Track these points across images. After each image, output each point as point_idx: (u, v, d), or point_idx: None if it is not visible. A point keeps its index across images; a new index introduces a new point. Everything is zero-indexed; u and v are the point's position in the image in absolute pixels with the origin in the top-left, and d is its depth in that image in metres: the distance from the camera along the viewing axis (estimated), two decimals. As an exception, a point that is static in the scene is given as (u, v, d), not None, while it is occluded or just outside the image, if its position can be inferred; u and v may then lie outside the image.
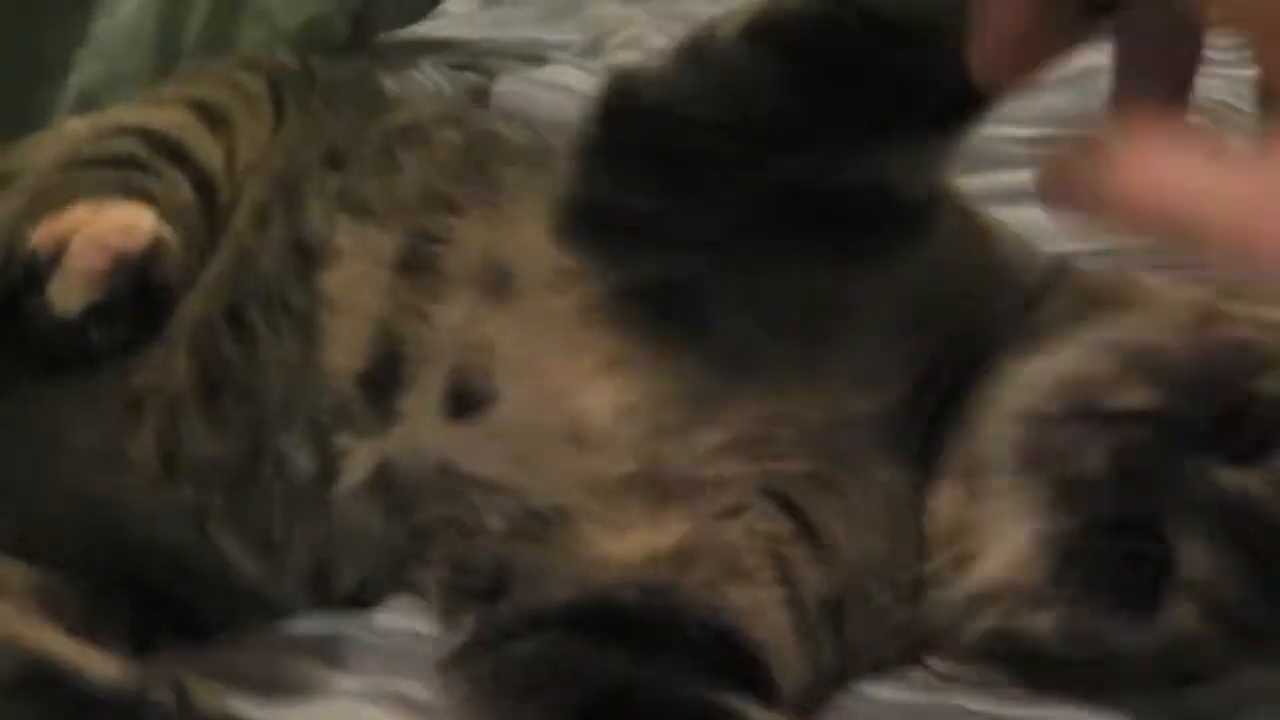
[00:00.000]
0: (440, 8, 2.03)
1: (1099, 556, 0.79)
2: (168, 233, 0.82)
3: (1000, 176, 1.40)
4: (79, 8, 1.27)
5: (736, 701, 0.77)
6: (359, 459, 0.89)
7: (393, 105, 1.10)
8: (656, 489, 0.83)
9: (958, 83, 0.58)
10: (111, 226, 0.81)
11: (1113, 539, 0.78)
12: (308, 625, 0.93)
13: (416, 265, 0.91)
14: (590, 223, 0.87)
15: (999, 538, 0.81)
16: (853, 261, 0.85)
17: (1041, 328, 0.86)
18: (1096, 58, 1.52)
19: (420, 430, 0.87)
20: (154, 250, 0.81)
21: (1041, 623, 0.80)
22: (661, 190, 0.82)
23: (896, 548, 0.85)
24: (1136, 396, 0.79)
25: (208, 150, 0.99)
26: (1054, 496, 0.80)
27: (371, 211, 0.94)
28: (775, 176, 0.79)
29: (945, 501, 0.84)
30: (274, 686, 0.87)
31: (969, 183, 1.36)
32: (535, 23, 1.95)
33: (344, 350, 0.90)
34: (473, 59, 1.72)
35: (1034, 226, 1.19)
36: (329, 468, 0.89)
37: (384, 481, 0.88)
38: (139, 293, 0.81)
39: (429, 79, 1.56)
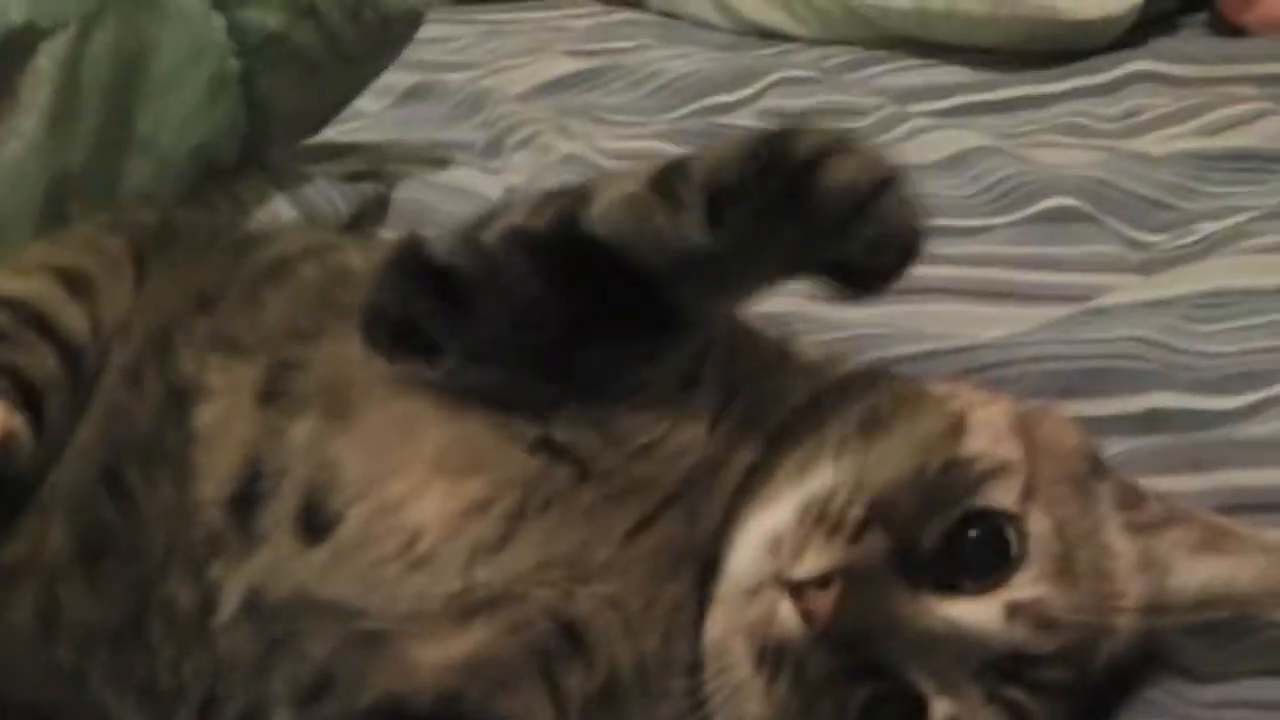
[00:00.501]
0: (352, 106, 2.06)
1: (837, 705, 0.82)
2: (18, 425, 0.85)
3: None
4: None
5: None
6: (231, 588, 0.92)
7: (260, 242, 1.15)
8: (468, 607, 0.87)
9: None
10: None
11: (830, 687, 0.81)
12: None
13: (275, 393, 0.95)
14: (391, 337, 0.92)
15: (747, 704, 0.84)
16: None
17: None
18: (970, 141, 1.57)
19: (279, 553, 0.91)
20: (6, 445, 0.85)
21: None
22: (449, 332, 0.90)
23: (671, 661, 0.88)
24: (817, 560, 0.82)
25: (72, 318, 1.04)
26: (765, 664, 0.83)
27: (239, 347, 0.99)
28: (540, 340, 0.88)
29: (711, 625, 0.87)
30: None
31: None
32: (440, 123, 2.00)
33: (214, 480, 0.93)
34: (372, 166, 1.76)
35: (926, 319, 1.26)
36: (207, 600, 0.93)
37: (254, 608, 0.92)
38: None
39: (322, 194, 1.58)
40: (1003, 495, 0.85)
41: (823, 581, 0.82)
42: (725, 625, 0.85)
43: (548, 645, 0.87)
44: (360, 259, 1.08)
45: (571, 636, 0.88)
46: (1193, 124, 1.78)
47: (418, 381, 0.91)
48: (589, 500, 0.89)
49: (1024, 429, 0.89)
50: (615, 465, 0.89)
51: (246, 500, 0.92)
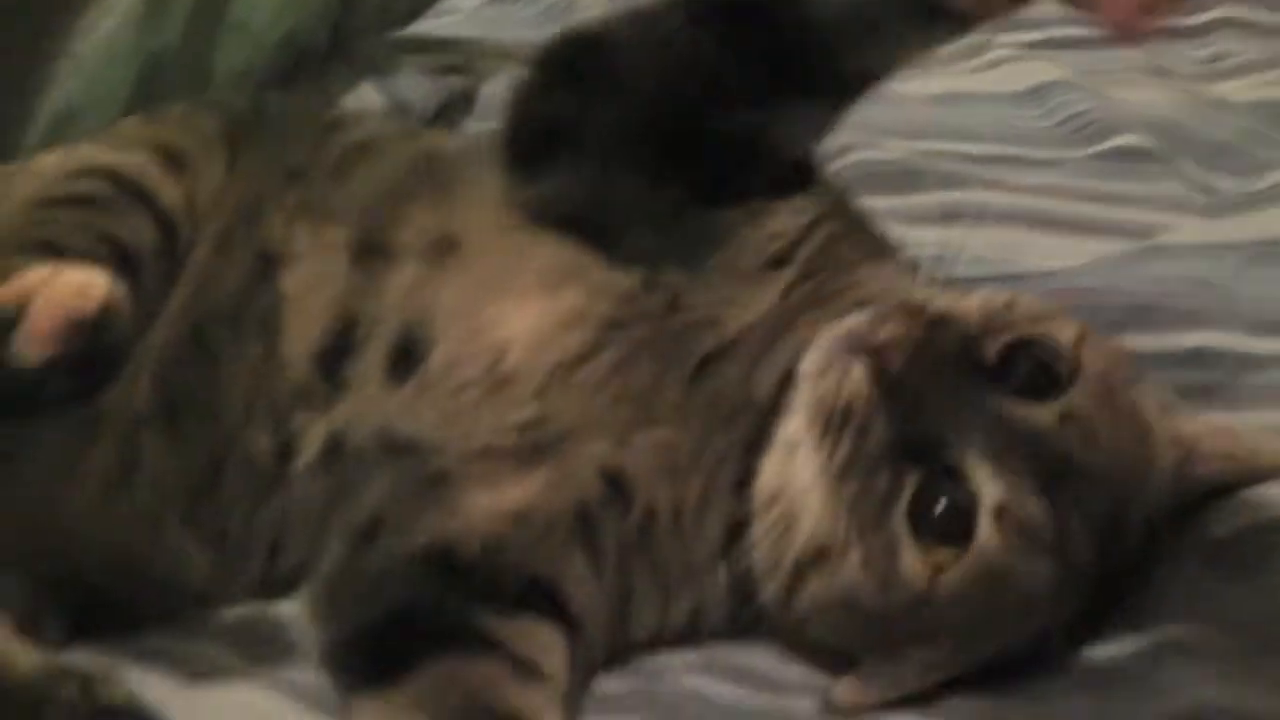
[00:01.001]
0: (446, 1, 2.09)
1: (891, 485, 0.86)
2: (120, 293, 0.89)
3: (951, 195, 1.45)
4: (58, 24, 1.32)
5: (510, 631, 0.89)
6: (313, 435, 0.99)
7: (349, 124, 1.20)
8: (535, 446, 0.94)
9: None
10: (68, 289, 0.88)
11: (889, 462, 0.86)
12: (229, 613, 1.03)
13: (370, 248, 1.02)
14: (524, 145, 1.00)
15: (806, 496, 0.89)
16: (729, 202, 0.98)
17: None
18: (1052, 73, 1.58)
19: (365, 397, 0.98)
20: (106, 313, 0.88)
21: (849, 569, 0.87)
22: (587, 126, 0.97)
23: (708, 509, 0.94)
24: (895, 328, 0.87)
25: (169, 192, 1.08)
26: (829, 434, 0.88)
27: (327, 214, 1.05)
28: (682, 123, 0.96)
29: (768, 472, 0.92)
30: (191, 671, 0.97)
31: (918, 200, 1.43)
32: (531, 24, 2.02)
33: (302, 337, 1.00)
34: (461, 61, 1.78)
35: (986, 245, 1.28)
36: (288, 448, 1.00)
37: (334, 453, 0.99)
38: (92, 350, 0.88)
39: (410, 85, 1.61)
40: (1058, 330, 0.90)
41: (896, 345, 0.86)
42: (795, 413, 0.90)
43: (590, 496, 0.93)
44: (448, 142, 1.14)
45: (615, 484, 0.93)
46: (1276, 73, 1.77)
47: (531, 220, 0.98)
48: (670, 329, 0.95)
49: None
50: (699, 303, 0.95)
51: (337, 352, 0.99)
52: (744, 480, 0.93)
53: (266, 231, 1.05)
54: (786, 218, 0.99)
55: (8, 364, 0.86)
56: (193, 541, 1.03)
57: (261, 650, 0.97)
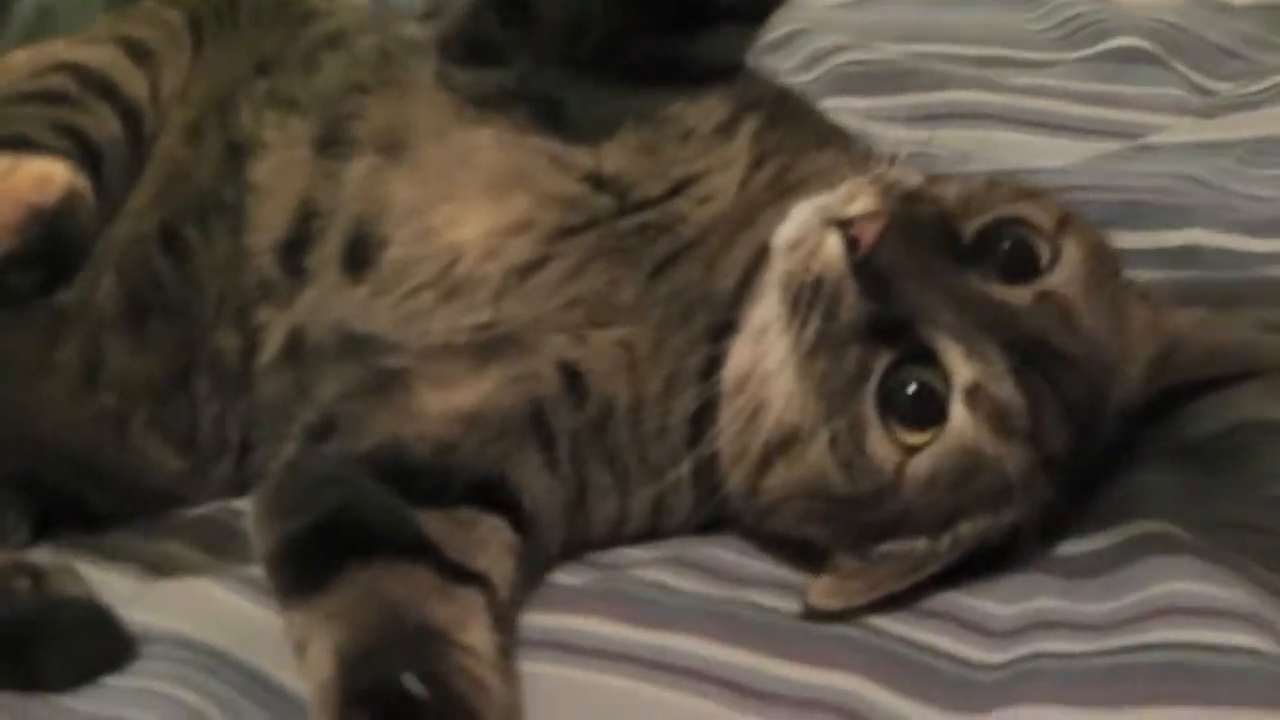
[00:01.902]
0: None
1: (860, 366, 0.84)
2: (81, 184, 0.89)
3: (943, 95, 1.43)
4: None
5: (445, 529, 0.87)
6: (275, 330, 0.98)
7: (320, 16, 1.18)
8: (489, 346, 0.92)
9: None
10: (26, 181, 0.87)
11: (859, 342, 0.84)
12: (190, 511, 1.02)
13: (331, 140, 1.00)
14: (466, 49, 0.99)
15: (774, 378, 0.87)
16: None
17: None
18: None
19: (323, 291, 0.97)
20: (67, 203, 0.87)
21: (816, 453, 0.86)
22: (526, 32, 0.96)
23: (671, 405, 0.93)
24: (869, 202, 0.86)
25: (134, 83, 1.07)
26: (799, 310, 0.86)
27: (296, 104, 1.03)
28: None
29: (737, 357, 0.91)
30: (151, 567, 0.96)
31: (908, 100, 1.41)
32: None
33: (267, 228, 0.99)
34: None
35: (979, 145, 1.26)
36: (252, 344, 0.99)
37: (295, 348, 0.98)
38: (52, 242, 0.87)
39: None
40: (1038, 214, 0.88)
41: (870, 218, 0.84)
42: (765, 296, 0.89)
43: (545, 392, 0.91)
44: (419, 30, 1.11)
45: (571, 379, 0.92)
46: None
47: (478, 117, 0.97)
48: (623, 232, 0.94)
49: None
50: (652, 198, 0.94)
51: (298, 243, 0.98)
52: (708, 371, 0.92)
53: (236, 122, 1.04)
54: (722, 98, 0.98)
55: None
56: (160, 442, 1.02)
57: (223, 546, 0.95)
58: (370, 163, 0.98)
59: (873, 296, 0.83)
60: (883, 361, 0.84)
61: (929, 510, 0.85)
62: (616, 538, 0.95)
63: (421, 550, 0.85)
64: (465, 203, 0.95)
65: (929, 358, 0.83)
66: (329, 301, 0.96)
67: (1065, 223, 0.88)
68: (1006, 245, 0.86)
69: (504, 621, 0.84)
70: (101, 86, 1.06)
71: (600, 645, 0.83)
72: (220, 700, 0.81)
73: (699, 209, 0.95)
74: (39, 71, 1.08)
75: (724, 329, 0.92)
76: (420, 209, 0.95)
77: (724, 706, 0.79)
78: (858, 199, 0.86)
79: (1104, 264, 0.89)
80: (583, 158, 0.95)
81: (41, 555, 0.96)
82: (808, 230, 0.87)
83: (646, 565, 0.91)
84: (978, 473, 0.83)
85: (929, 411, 0.83)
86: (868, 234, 0.83)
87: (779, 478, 0.88)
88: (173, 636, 0.85)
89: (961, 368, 0.83)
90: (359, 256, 0.96)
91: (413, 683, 0.74)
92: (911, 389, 0.84)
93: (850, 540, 0.88)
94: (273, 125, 1.03)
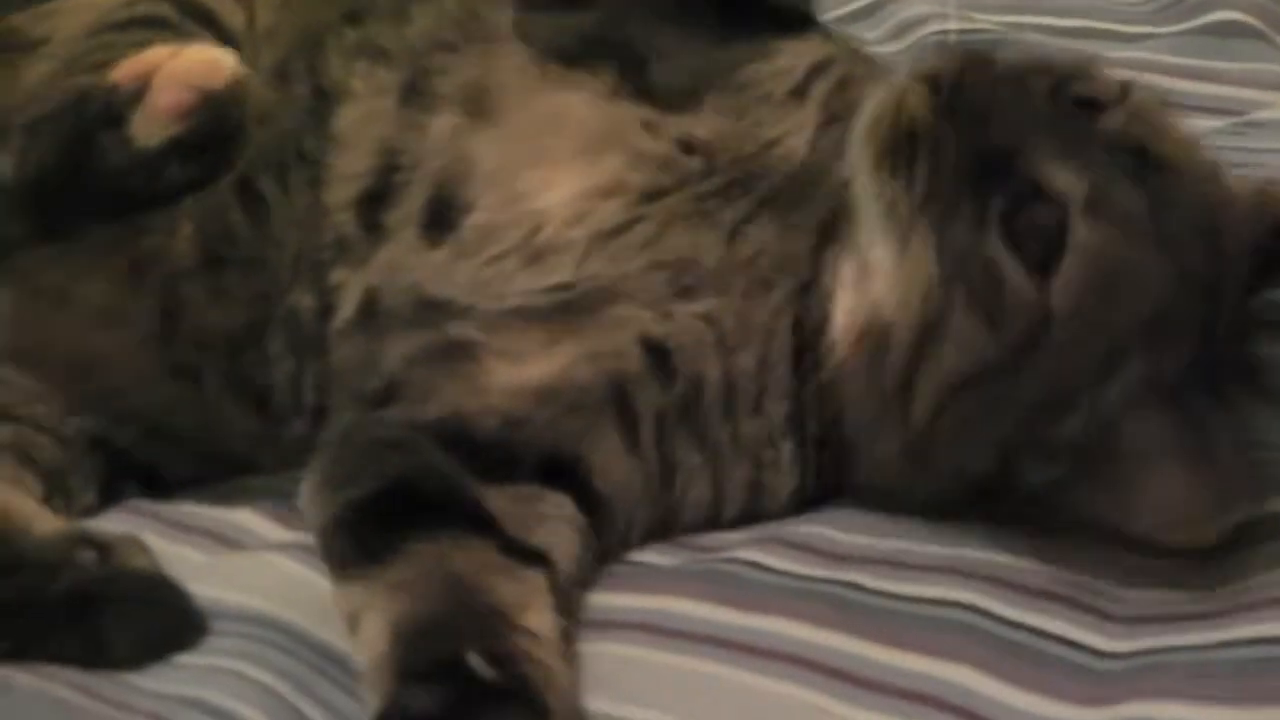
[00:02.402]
0: None
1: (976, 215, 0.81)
2: (245, 70, 0.84)
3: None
4: None
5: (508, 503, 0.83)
6: (351, 290, 0.95)
7: None
8: (563, 316, 0.89)
9: None
10: (195, 63, 0.83)
11: (968, 189, 0.81)
12: (259, 481, 0.99)
13: (418, 91, 0.97)
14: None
15: (890, 291, 0.84)
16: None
17: None
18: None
19: (401, 252, 0.94)
20: (235, 89, 0.83)
21: (956, 329, 0.81)
22: None
23: (767, 381, 0.90)
24: (944, 63, 0.85)
25: (230, 13, 1.03)
26: (900, 170, 0.83)
27: (385, 55, 1.00)
28: None
29: (843, 309, 0.88)
30: (221, 538, 0.93)
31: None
32: None
33: (347, 179, 0.96)
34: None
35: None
36: (327, 305, 0.95)
37: (369, 311, 0.94)
38: (218, 130, 0.83)
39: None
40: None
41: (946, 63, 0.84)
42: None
43: (628, 368, 0.88)
44: None
45: (658, 357, 0.89)
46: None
47: (564, 77, 0.95)
48: (704, 193, 0.91)
49: None
50: (736, 158, 0.92)
51: (378, 196, 0.95)
52: (799, 339, 0.89)
53: (325, 67, 1.01)
54: (794, 55, 0.97)
55: (126, 146, 0.82)
56: (234, 400, 0.99)
57: (294, 516, 0.91)
58: (455, 121, 0.95)
59: (970, 131, 0.81)
60: (996, 205, 0.81)
61: (1087, 349, 0.80)
62: (713, 522, 0.90)
63: (484, 526, 0.81)
64: (554, 167, 0.92)
65: (1039, 187, 0.81)
66: (406, 262, 0.93)
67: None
68: (1075, 95, 0.84)
69: (568, 603, 0.81)
70: (200, 14, 1.02)
71: (692, 628, 0.79)
72: (295, 679, 0.77)
73: (774, 170, 0.92)
74: (129, 1, 1.03)
75: (807, 289, 0.89)
76: (507, 173, 0.92)
77: (824, 694, 0.74)
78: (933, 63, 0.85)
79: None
80: (674, 123, 0.93)
81: (108, 523, 0.93)
82: (889, 100, 0.84)
83: (742, 545, 0.87)
84: (1121, 286, 0.80)
85: (1054, 243, 0.80)
86: (946, 71, 0.83)
87: (926, 393, 0.83)
88: (244, 612, 0.82)
89: (1074, 184, 0.80)
90: (440, 218, 0.93)
91: (478, 662, 0.70)
92: (1031, 221, 0.80)
93: (1024, 432, 0.82)
94: (361, 75, 0.99)
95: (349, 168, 0.96)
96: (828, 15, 1.52)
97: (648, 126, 0.93)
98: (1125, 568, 0.81)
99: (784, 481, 0.91)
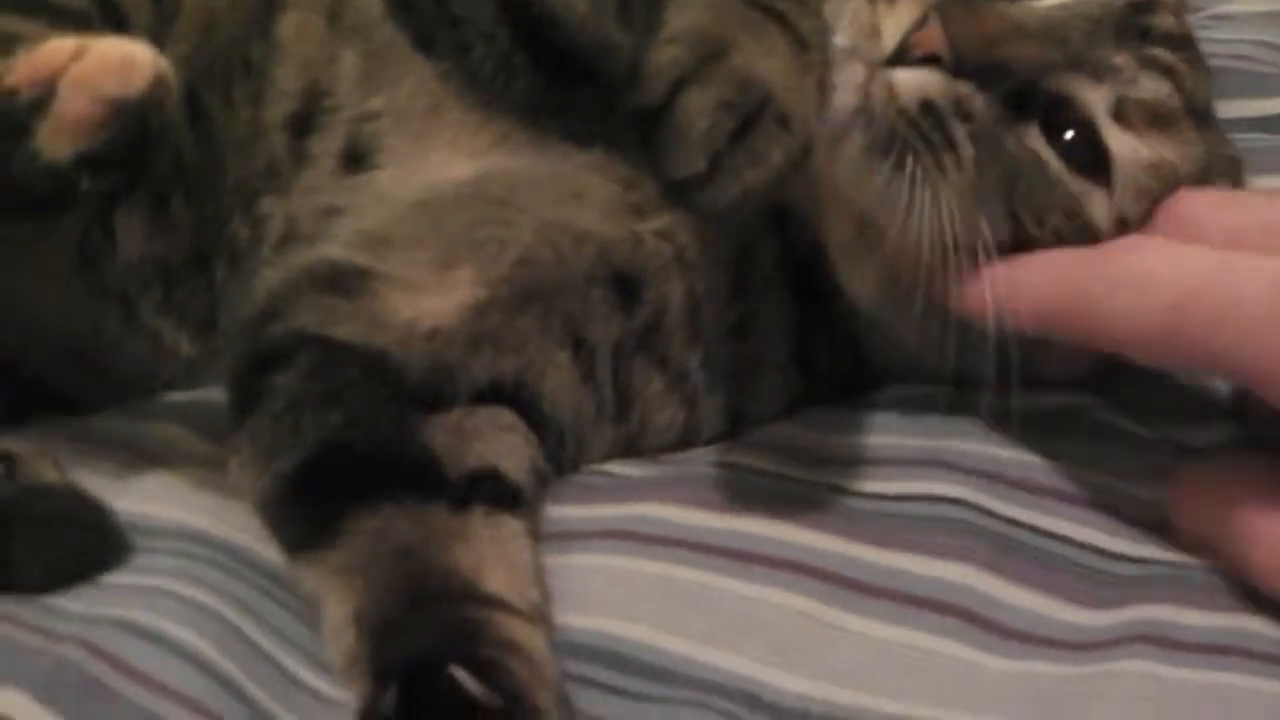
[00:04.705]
0: None
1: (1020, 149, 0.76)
2: (164, 66, 0.74)
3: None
4: None
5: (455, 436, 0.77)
6: (275, 221, 0.89)
7: None
8: (458, 240, 0.83)
9: None
10: (105, 67, 0.72)
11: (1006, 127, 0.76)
12: (175, 396, 0.93)
13: (337, 13, 0.91)
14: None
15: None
16: None
17: None
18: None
19: (319, 177, 0.88)
20: (154, 93, 0.73)
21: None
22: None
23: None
24: (897, 17, 0.76)
25: None
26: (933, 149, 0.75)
27: None
28: None
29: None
30: (146, 454, 0.85)
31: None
32: None
33: (282, 98, 0.89)
34: None
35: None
36: (258, 234, 0.89)
37: (288, 238, 0.88)
38: (137, 139, 0.73)
39: None
40: None
41: (920, 26, 0.75)
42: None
43: (576, 289, 0.83)
44: None
45: (622, 285, 0.83)
46: None
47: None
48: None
49: None
50: None
51: (305, 118, 0.89)
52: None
53: None
54: None
55: (32, 160, 0.71)
56: (175, 326, 0.92)
57: (216, 428, 0.83)
58: (357, 62, 0.89)
59: (989, 82, 0.74)
60: (1034, 130, 0.75)
61: None
62: (687, 444, 0.85)
63: (429, 477, 0.74)
64: (457, 155, 0.86)
65: (1064, 103, 0.76)
66: (323, 185, 0.87)
67: None
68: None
69: (529, 520, 0.75)
70: None
71: (674, 533, 0.73)
72: (237, 600, 0.71)
73: None
74: None
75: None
76: (412, 147, 0.87)
77: (818, 601, 0.69)
78: (885, 20, 0.75)
79: None
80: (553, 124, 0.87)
81: (12, 442, 0.83)
82: (864, 87, 0.75)
83: (718, 449, 0.81)
84: (1174, 169, 0.77)
85: (1095, 153, 0.76)
86: (934, 39, 0.74)
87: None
88: (177, 529, 0.75)
89: (1093, 95, 0.75)
90: (357, 161, 0.87)
91: (465, 677, 0.63)
92: (1070, 135, 0.76)
93: None
94: None
95: (285, 82, 0.90)
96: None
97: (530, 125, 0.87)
98: (1139, 466, 0.77)
99: (776, 399, 0.86)
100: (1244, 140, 0.98)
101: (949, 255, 0.73)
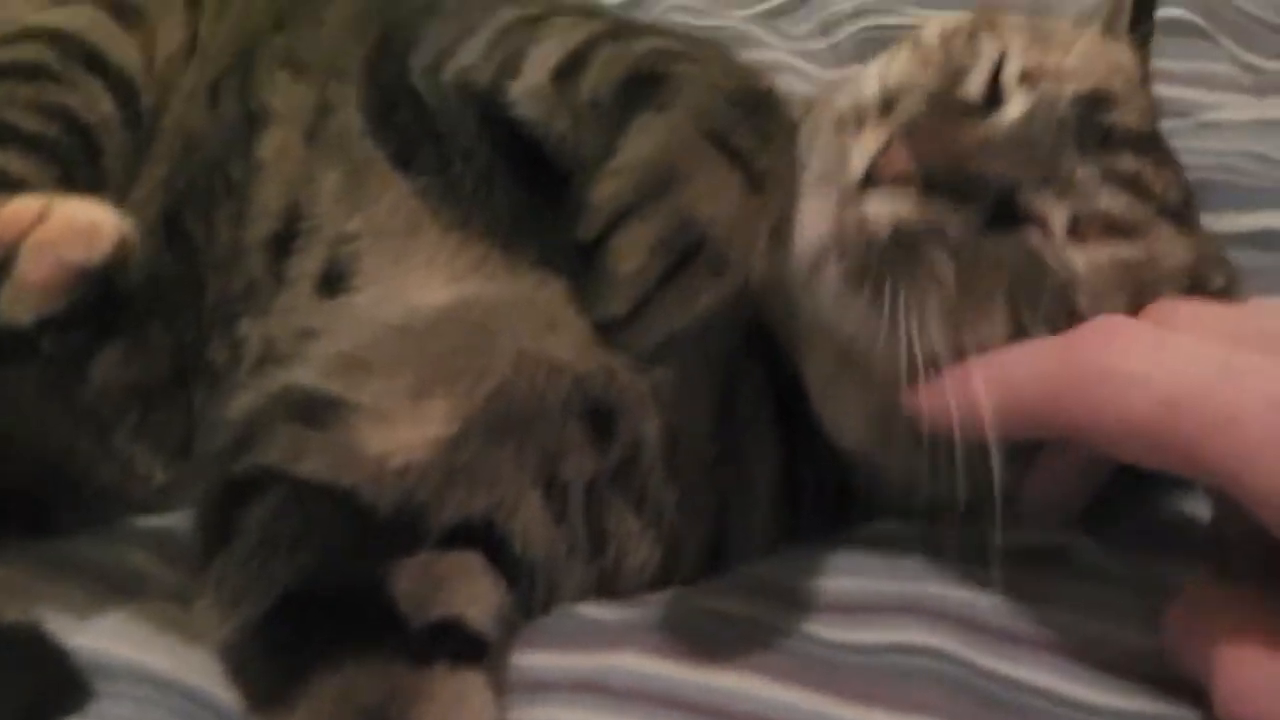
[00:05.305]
0: None
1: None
2: (129, 228, 0.74)
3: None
4: None
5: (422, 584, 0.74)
6: (253, 343, 0.87)
7: None
8: (433, 369, 0.80)
9: None
10: (68, 231, 0.73)
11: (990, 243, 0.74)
12: (149, 520, 0.90)
13: (316, 133, 0.90)
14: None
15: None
16: None
17: None
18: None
19: (296, 300, 0.86)
20: (117, 257, 0.73)
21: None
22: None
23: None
24: (864, 145, 0.75)
25: (123, 50, 0.95)
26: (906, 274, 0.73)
27: (302, 67, 0.93)
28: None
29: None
30: (112, 584, 0.83)
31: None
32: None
33: (263, 216, 0.88)
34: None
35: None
36: (236, 356, 0.88)
37: (266, 361, 0.86)
38: (100, 304, 0.74)
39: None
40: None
41: (885, 149, 0.74)
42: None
43: (551, 423, 0.80)
44: None
45: (596, 419, 0.81)
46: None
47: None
48: None
49: None
50: None
51: (285, 239, 0.87)
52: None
53: (254, 85, 0.93)
54: None
55: None
56: (149, 451, 0.90)
57: (185, 557, 0.81)
58: (339, 181, 0.88)
59: (965, 197, 0.73)
60: (1008, 240, 0.74)
61: None
62: (664, 583, 0.82)
63: (394, 628, 0.72)
64: (434, 282, 0.85)
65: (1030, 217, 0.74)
66: (300, 307, 0.86)
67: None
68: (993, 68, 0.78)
69: (493, 672, 0.73)
70: (86, 56, 0.92)
71: (644, 686, 0.71)
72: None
73: None
74: (6, 40, 0.94)
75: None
76: (386, 273, 0.85)
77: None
78: (850, 159, 0.74)
79: None
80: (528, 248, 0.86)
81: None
82: (836, 216, 0.74)
83: (690, 590, 0.79)
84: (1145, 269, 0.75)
85: None
86: (898, 159, 0.73)
87: None
88: (138, 671, 0.74)
89: (1057, 212, 0.74)
90: (333, 284, 0.86)
91: None
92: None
93: None
94: (282, 91, 0.92)
95: (265, 202, 0.88)
96: (752, 10, 1.47)
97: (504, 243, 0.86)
98: (1130, 610, 0.75)
99: (754, 540, 0.83)
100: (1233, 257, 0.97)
101: (934, 376, 0.71)
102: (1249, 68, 1.35)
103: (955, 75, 0.79)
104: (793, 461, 0.83)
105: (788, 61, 1.35)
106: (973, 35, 0.82)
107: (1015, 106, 0.76)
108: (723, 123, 0.69)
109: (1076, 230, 0.74)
